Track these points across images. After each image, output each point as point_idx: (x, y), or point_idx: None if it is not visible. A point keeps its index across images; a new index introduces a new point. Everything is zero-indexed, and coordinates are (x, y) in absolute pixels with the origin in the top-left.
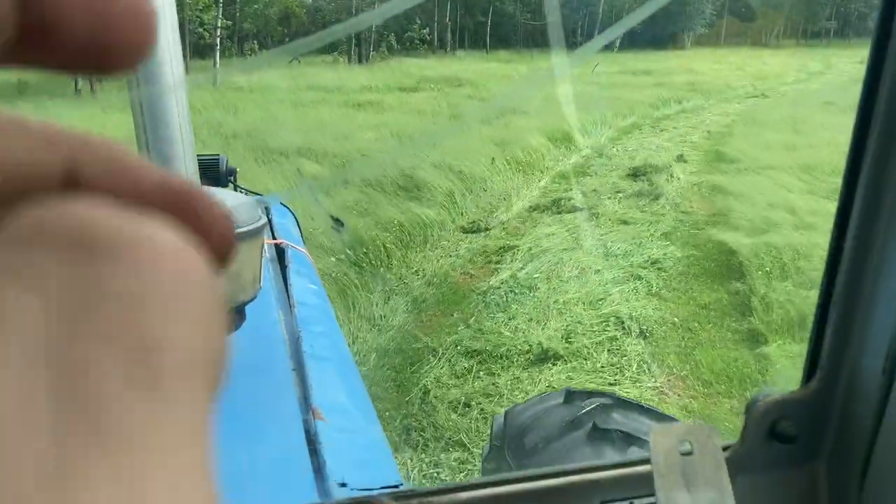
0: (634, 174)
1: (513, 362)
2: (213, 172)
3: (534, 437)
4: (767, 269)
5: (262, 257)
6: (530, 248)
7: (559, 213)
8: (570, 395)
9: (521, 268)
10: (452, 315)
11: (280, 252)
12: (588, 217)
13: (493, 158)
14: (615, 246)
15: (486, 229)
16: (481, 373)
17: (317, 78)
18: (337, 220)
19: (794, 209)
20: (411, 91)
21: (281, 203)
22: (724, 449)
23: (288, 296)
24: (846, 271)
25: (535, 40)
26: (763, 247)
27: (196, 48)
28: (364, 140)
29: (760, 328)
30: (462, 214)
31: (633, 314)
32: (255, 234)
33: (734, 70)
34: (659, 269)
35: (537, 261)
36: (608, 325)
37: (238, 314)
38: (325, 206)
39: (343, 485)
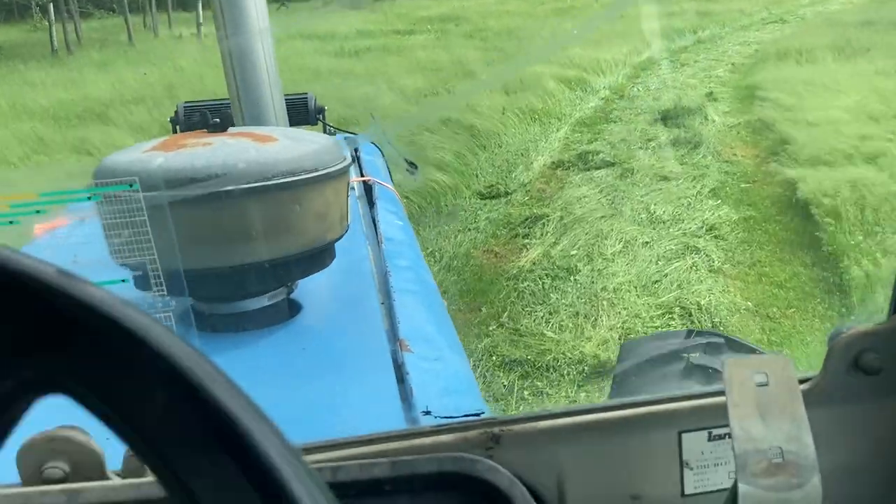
0: (664, 118)
1: (563, 376)
2: (302, 111)
3: (632, 367)
4: (850, 218)
5: (348, 196)
6: (561, 217)
7: (587, 169)
8: (689, 334)
9: (555, 242)
10: (480, 310)
11: (368, 189)
12: (622, 174)
13: (503, 108)
14: (660, 209)
15: (507, 193)
16: (525, 392)
17: (306, 24)
18: (411, 164)
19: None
20: (407, 34)
21: (370, 142)
22: (806, 381)
23: (376, 231)
24: None
25: None
26: (837, 187)
27: None
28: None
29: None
30: (477, 177)
31: (700, 301)
32: (341, 174)
33: None
34: (716, 237)
35: (572, 233)
36: (673, 318)
37: (327, 252)
38: (400, 150)
39: (427, 412)
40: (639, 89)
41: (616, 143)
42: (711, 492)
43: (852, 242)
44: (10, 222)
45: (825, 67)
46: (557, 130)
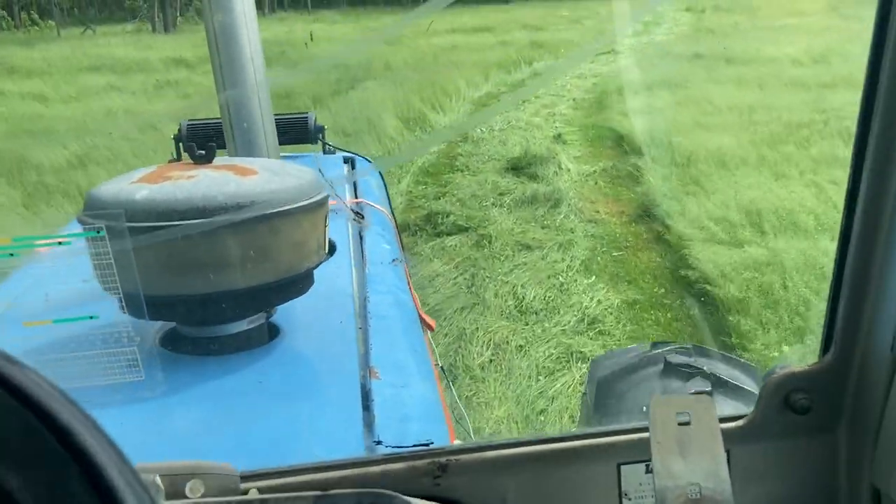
0: (515, 168)
1: None
2: (302, 130)
3: (609, 373)
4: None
5: (326, 226)
6: None
7: (438, 235)
8: (655, 345)
9: None
10: None
11: (359, 211)
12: (478, 242)
13: None
14: (529, 294)
15: None
16: None
17: (113, 51)
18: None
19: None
20: None
21: (367, 160)
22: (740, 418)
23: (362, 254)
24: (856, 250)
25: None
26: (720, 261)
27: None
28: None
29: None
30: None
31: None
32: (318, 206)
33: (570, 24)
34: (601, 332)
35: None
36: None
37: (305, 279)
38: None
39: (378, 442)
40: (482, 129)
41: (466, 199)
42: None
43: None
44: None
45: (663, 101)
46: (399, 182)
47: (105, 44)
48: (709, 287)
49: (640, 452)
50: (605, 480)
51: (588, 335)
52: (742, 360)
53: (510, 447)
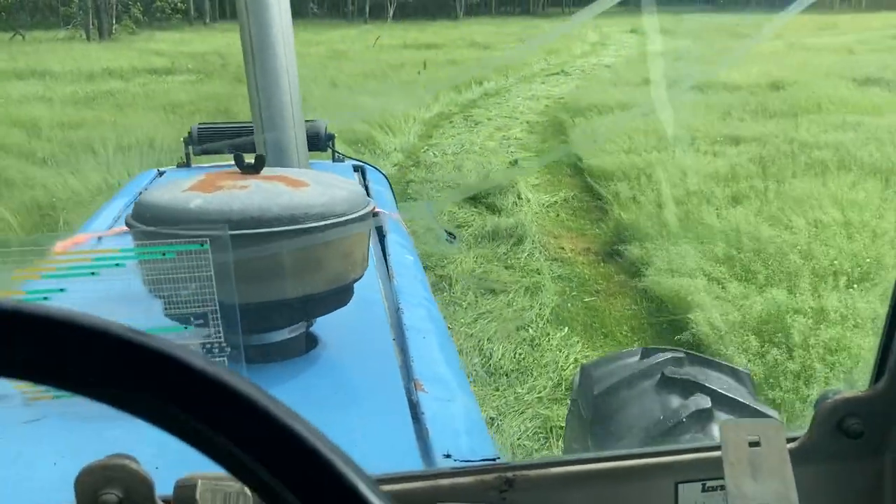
0: (473, 197)
1: None
2: (313, 137)
3: (605, 387)
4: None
5: (370, 239)
6: None
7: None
8: (646, 352)
9: None
10: None
11: (378, 221)
12: (437, 283)
13: None
14: (497, 351)
15: None
16: None
17: (42, 59)
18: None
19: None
20: (165, 73)
21: (374, 167)
22: (793, 440)
23: (387, 266)
24: None
25: (305, 9)
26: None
27: None
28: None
29: None
30: None
31: None
32: (365, 218)
33: (518, 42)
34: None
35: None
36: None
37: (349, 290)
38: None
39: (447, 456)
40: (435, 153)
41: (421, 233)
42: None
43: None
44: (92, 273)
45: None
46: None
47: (34, 51)
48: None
49: (696, 471)
50: (662, 498)
51: (566, 403)
52: (735, 368)
53: (573, 464)
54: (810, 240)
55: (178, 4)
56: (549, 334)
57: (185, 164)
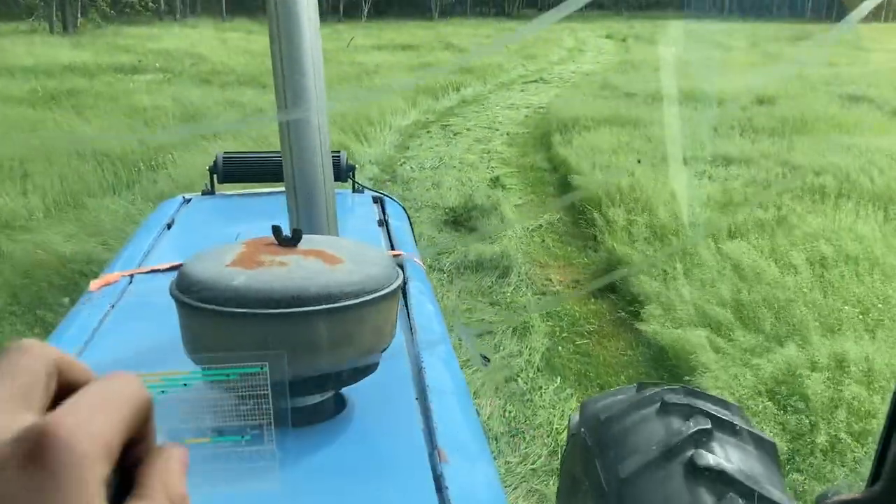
0: (455, 220)
1: None
2: (334, 168)
3: (609, 415)
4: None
5: (398, 308)
6: None
7: None
8: (642, 385)
9: None
10: None
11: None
12: None
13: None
14: (485, 409)
15: None
16: None
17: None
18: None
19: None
20: (131, 72)
21: (393, 199)
22: None
23: (409, 318)
24: None
25: None
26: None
27: None
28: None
29: None
30: None
31: None
32: (395, 293)
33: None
34: None
35: None
36: None
37: (377, 361)
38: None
39: None
40: (412, 167)
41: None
42: None
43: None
44: (162, 392)
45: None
46: None
47: None
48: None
49: None
50: None
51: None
52: (729, 402)
53: None
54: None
55: (150, 3)
56: (541, 388)
57: (210, 191)
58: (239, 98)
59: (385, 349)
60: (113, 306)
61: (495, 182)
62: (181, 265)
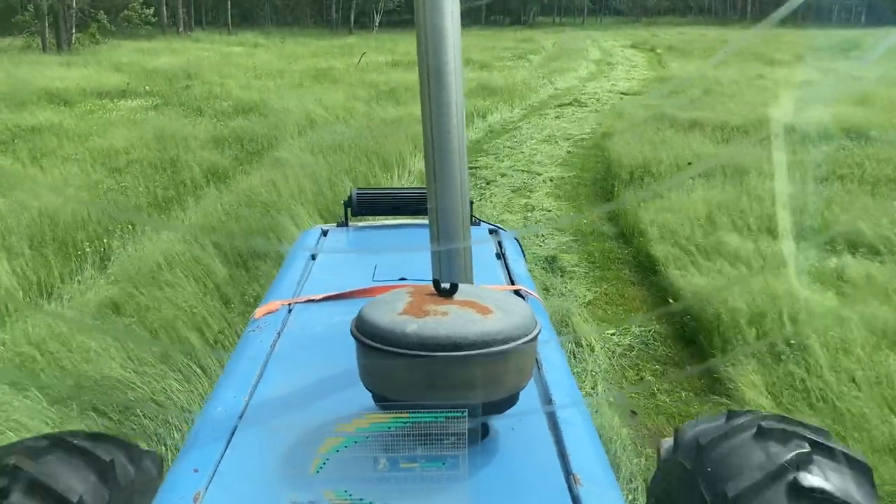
0: None
1: None
2: None
3: (708, 440)
4: None
5: (536, 349)
6: None
7: None
8: (732, 413)
9: None
10: None
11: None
12: None
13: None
14: None
15: None
16: None
17: None
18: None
19: None
20: (117, 97)
21: (507, 231)
22: None
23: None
24: None
25: (286, 18)
26: None
27: None
28: None
29: None
30: None
31: None
32: (534, 340)
33: (516, 60)
34: None
35: None
36: None
37: (518, 396)
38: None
39: None
40: None
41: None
42: None
43: None
44: (356, 442)
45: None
46: None
47: None
48: None
49: None
50: None
51: None
52: (820, 427)
53: None
54: None
55: (150, 17)
56: None
57: (344, 223)
58: (230, 131)
59: (525, 386)
60: (279, 333)
61: (551, 263)
62: (337, 296)
